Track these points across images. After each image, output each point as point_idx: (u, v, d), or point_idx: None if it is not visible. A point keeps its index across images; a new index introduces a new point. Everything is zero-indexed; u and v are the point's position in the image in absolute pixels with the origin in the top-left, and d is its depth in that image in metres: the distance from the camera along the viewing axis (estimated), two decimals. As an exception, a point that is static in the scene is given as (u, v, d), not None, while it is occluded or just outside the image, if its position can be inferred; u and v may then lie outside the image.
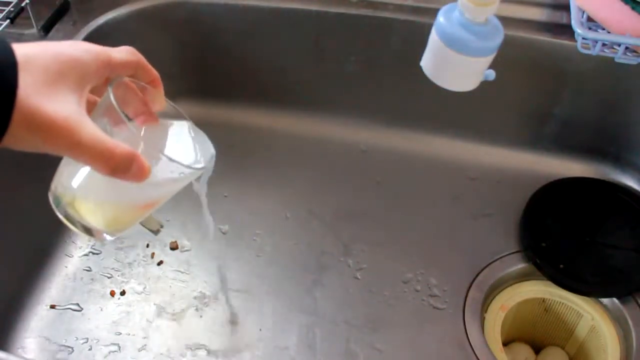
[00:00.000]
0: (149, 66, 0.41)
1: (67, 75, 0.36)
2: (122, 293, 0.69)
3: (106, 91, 0.38)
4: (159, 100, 0.43)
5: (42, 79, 0.35)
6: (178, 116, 0.45)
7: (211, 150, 0.45)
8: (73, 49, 0.37)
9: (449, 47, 0.49)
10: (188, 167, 0.40)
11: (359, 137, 0.84)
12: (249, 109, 0.87)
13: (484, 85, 0.53)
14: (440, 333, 0.65)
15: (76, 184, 0.40)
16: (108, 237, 0.43)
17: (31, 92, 0.34)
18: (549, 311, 0.70)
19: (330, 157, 0.83)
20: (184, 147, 0.44)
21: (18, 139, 0.34)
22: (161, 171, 0.39)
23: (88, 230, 0.41)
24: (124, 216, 0.43)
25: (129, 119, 0.41)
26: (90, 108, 0.39)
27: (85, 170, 0.40)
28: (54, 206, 0.40)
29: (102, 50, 0.38)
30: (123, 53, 0.40)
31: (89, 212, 0.41)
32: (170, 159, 0.39)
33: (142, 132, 0.42)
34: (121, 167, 0.36)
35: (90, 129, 0.35)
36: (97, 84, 0.39)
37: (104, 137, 0.36)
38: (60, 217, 0.40)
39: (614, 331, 0.66)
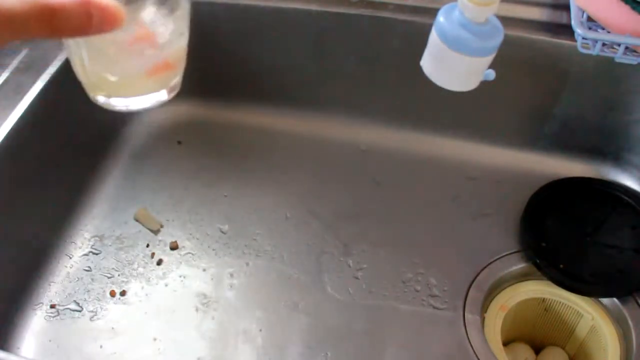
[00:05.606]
0: None
1: None
2: (122, 293, 0.69)
3: None
4: None
5: None
6: None
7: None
8: None
9: (449, 47, 0.49)
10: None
11: (359, 137, 0.84)
12: (249, 109, 0.87)
13: (484, 85, 0.53)
14: (440, 333, 0.65)
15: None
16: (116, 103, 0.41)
17: None
18: (549, 311, 0.70)
19: (330, 157, 0.83)
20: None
21: None
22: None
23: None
24: (129, 84, 0.40)
25: None
26: None
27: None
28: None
29: None
30: None
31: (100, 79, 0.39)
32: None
33: None
34: (64, 18, 0.30)
35: None
36: None
37: None
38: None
39: (614, 331, 0.66)
